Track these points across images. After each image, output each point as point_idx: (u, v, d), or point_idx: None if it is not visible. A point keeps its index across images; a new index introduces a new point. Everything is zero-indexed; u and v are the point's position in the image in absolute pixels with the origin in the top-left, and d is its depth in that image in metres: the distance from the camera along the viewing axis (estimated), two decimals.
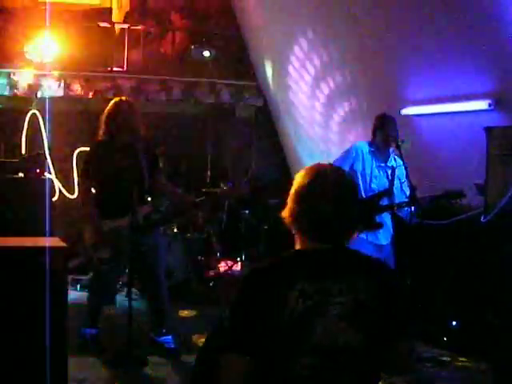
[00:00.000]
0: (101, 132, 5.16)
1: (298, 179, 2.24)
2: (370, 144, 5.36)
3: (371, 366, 2.19)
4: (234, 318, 2.16)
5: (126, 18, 9.47)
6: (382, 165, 5.32)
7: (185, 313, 6.49)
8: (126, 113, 5.09)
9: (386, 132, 5.26)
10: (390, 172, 5.27)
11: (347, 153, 5.36)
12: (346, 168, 5.34)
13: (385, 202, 5.21)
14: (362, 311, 2.13)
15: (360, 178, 5.25)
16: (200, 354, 2.59)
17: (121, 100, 5.29)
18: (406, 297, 2.30)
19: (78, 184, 7.50)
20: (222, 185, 7.70)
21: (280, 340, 2.09)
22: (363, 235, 5.08)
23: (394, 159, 5.36)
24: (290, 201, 2.25)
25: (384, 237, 5.32)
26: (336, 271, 2.16)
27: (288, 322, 2.07)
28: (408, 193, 5.08)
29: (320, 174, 2.22)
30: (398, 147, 5.14)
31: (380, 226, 5.16)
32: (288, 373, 2.09)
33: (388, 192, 5.17)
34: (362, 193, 5.23)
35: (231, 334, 2.14)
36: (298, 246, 2.26)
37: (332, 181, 2.20)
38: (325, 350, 2.09)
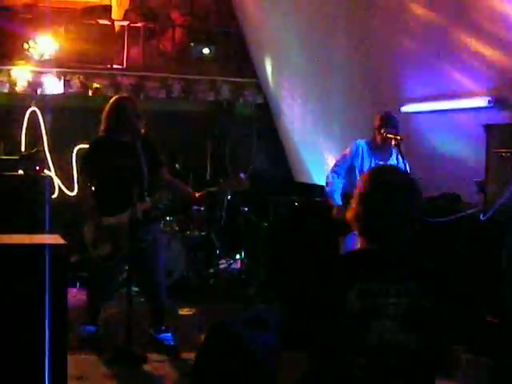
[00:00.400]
0: (101, 129, 5.17)
1: (364, 182, 2.28)
2: (370, 142, 5.38)
3: (425, 369, 2.21)
4: (304, 310, 2.20)
5: (125, 15, 9.47)
6: (381, 163, 5.33)
7: (184, 310, 6.50)
8: (127, 110, 5.09)
9: (385, 131, 5.28)
10: None
11: (347, 151, 5.39)
12: (347, 165, 5.37)
13: None
14: (417, 313, 2.16)
15: (358, 174, 5.28)
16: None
17: (121, 97, 5.30)
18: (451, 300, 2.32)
19: (78, 181, 7.50)
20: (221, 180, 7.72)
21: (336, 339, 2.12)
22: None
23: (397, 158, 5.37)
24: (354, 202, 2.29)
25: None
26: (393, 273, 2.20)
27: (345, 322, 2.11)
28: None
29: (384, 177, 2.28)
30: (397, 145, 5.15)
31: None
32: (343, 372, 2.12)
33: None
34: None
35: (289, 330, 2.18)
36: (358, 246, 2.31)
37: (395, 185, 2.25)
38: (379, 351, 2.12)
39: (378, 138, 5.34)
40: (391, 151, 5.38)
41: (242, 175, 8.24)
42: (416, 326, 2.15)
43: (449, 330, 2.25)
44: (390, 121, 5.31)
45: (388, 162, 5.35)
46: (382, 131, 5.28)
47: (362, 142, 5.41)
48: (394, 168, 2.36)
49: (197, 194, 5.30)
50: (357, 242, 2.32)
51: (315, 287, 2.18)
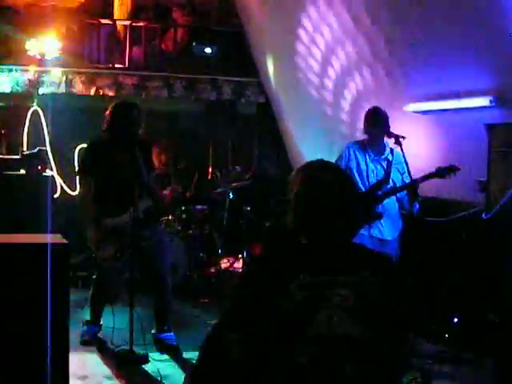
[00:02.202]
0: (103, 130, 5.18)
1: (294, 180, 2.32)
2: (361, 141, 5.42)
3: (378, 362, 2.19)
4: (236, 301, 2.21)
5: (127, 14, 9.48)
6: (377, 158, 5.35)
7: (186, 309, 6.50)
8: (128, 117, 5.11)
9: (374, 126, 5.31)
10: (385, 164, 5.30)
11: (340, 156, 5.43)
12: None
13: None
14: (365, 304, 2.15)
15: (357, 175, 5.29)
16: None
17: (123, 102, 5.36)
18: (409, 294, 2.31)
19: (79, 181, 7.51)
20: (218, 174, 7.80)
21: (279, 328, 2.12)
22: (365, 230, 5.10)
23: (391, 152, 5.37)
24: (291, 204, 2.32)
25: (389, 232, 5.31)
26: (337, 265, 2.19)
27: (287, 312, 2.11)
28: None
29: (310, 172, 2.31)
30: (398, 143, 5.15)
31: (379, 216, 5.16)
32: (287, 360, 2.11)
33: (384, 181, 5.20)
34: (362, 188, 5.25)
35: (230, 315, 2.18)
36: (302, 241, 2.30)
37: (326, 180, 2.26)
38: (324, 340, 2.11)
39: (368, 135, 5.37)
40: (384, 146, 5.39)
41: (237, 169, 8.28)
42: (361, 316, 2.14)
43: (399, 325, 2.24)
44: (376, 116, 5.33)
45: (382, 157, 5.35)
46: (370, 127, 5.32)
47: (350, 144, 5.46)
48: (322, 162, 2.37)
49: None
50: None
51: (257, 278, 2.19)
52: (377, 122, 5.29)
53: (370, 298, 2.16)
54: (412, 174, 5.15)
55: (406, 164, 5.10)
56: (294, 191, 2.31)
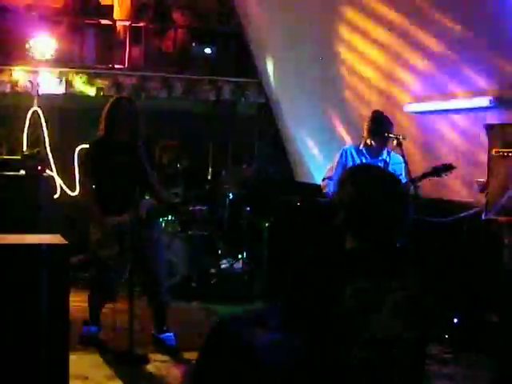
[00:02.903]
0: (100, 128, 5.17)
1: (355, 183, 2.28)
2: (358, 145, 5.44)
3: (420, 360, 2.23)
4: (292, 299, 2.24)
5: (127, 15, 9.47)
6: (373, 160, 5.36)
7: (186, 310, 6.50)
8: (126, 110, 5.10)
9: (375, 136, 5.32)
10: (382, 165, 5.32)
11: (335, 160, 5.44)
12: (339, 171, 5.39)
13: None
14: (415, 308, 2.21)
15: None
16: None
17: (121, 97, 5.32)
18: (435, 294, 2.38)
19: (80, 181, 7.51)
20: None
21: (333, 331, 2.15)
22: None
23: (388, 154, 5.39)
24: (342, 205, 2.30)
25: None
26: (390, 269, 2.24)
27: (341, 315, 2.14)
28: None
29: (378, 180, 2.29)
30: (399, 144, 5.16)
31: None
32: (339, 363, 2.14)
33: None
34: None
35: (286, 313, 2.22)
36: (348, 245, 2.32)
37: (391, 188, 2.28)
38: (376, 344, 2.15)
39: (368, 138, 5.37)
40: (382, 150, 5.40)
41: (244, 165, 8.30)
42: (411, 319, 2.18)
43: (433, 322, 2.30)
44: (377, 119, 5.34)
45: (380, 158, 5.36)
46: (371, 130, 5.32)
47: (347, 148, 5.49)
48: (384, 171, 2.39)
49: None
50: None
51: (312, 283, 2.20)
52: (378, 131, 5.31)
53: (419, 300, 2.21)
54: (411, 174, 5.17)
55: (406, 164, 5.11)
56: (349, 192, 2.27)
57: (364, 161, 5.37)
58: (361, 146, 5.46)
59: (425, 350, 2.30)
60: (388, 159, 5.35)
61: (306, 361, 2.17)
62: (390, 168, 5.31)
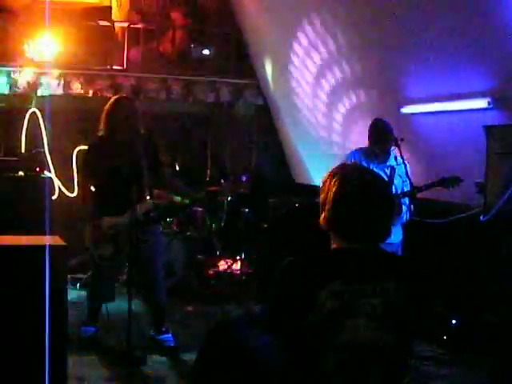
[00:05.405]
0: (100, 128, 5.17)
1: (339, 183, 2.25)
2: (366, 149, 5.44)
3: (399, 366, 2.21)
4: (275, 307, 2.22)
5: (125, 16, 9.47)
6: (381, 165, 5.35)
7: (185, 311, 6.50)
8: (126, 110, 5.09)
9: (376, 143, 5.34)
10: (389, 171, 5.31)
11: (344, 161, 5.43)
12: None
13: None
14: (393, 312, 2.17)
15: None
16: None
17: (121, 97, 5.31)
18: (430, 298, 2.34)
19: (78, 182, 7.51)
20: (222, 181, 7.80)
21: (307, 334, 2.13)
22: None
23: (395, 158, 5.39)
24: (328, 203, 2.28)
25: (394, 235, 5.31)
26: (369, 272, 2.20)
27: (315, 321, 2.11)
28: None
29: (362, 178, 2.25)
30: (397, 146, 5.16)
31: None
32: (316, 368, 2.13)
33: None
34: None
35: (270, 320, 2.21)
36: (333, 246, 2.30)
37: (374, 186, 2.25)
38: (353, 349, 2.13)
39: (373, 143, 5.38)
40: (388, 156, 5.40)
41: (243, 178, 8.29)
42: (390, 325, 2.15)
43: (418, 331, 2.26)
44: (380, 125, 5.35)
45: (387, 164, 5.37)
46: (376, 137, 5.34)
47: (354, 152, 5.49)
48: (358, 165, 2.36)
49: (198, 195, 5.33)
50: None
51: (286, 286, 2.19)
52: (379, 139, 5.32)
53: (397, 305, 2.17)
54: (410, 175, 5.17)
55: (407, 170, 5.14)
56: (333, 192, 2.26)
57: (371, 166, 5.36)
58: (369, 151, 5.47)
59: (405, 355, 2.24)
60: (395, 164, 5.36)
61: (288, 363, 2.17)
62: (397, 173, 5.32)
